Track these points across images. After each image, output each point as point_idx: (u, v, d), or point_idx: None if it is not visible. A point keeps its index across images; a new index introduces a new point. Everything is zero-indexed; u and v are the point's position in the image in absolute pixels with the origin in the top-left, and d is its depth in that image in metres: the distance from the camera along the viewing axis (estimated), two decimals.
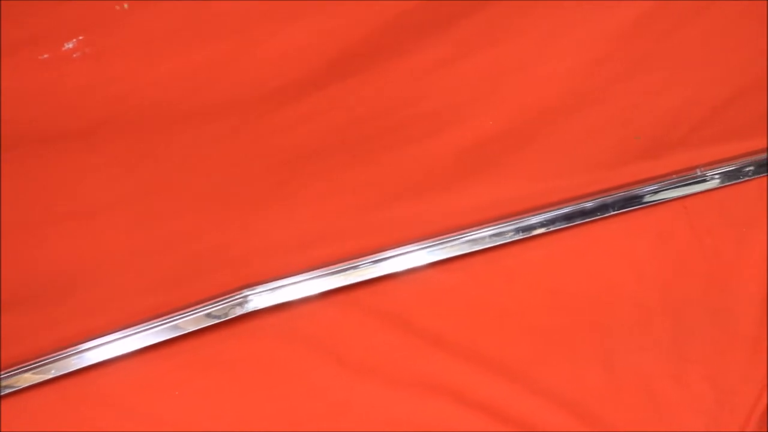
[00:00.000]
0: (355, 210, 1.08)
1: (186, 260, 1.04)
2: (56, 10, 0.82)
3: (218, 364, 1.04)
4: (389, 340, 1.06)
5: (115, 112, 0.90)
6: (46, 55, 0.84)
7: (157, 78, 0.89)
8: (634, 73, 1.08)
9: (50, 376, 1.00)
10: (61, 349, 1.01)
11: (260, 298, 1.05)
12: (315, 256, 1.07)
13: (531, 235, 1.11)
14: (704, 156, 1.15)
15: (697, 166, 1.15)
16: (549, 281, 1.10)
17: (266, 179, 1.02)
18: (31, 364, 1.00)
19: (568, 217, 1.12)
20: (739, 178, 1.15)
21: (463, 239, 1.09)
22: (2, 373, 1.00)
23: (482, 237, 1.10)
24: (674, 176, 1.14)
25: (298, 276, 1.06)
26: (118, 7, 0.84)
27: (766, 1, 1.07)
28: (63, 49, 0.84)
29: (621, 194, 1.13)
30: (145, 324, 1.03)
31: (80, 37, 0.84)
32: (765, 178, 1.16)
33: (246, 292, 1.04)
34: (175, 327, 1.03)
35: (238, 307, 1.04)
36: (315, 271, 1.07)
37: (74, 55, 0.85)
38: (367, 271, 1.08)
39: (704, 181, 1.15)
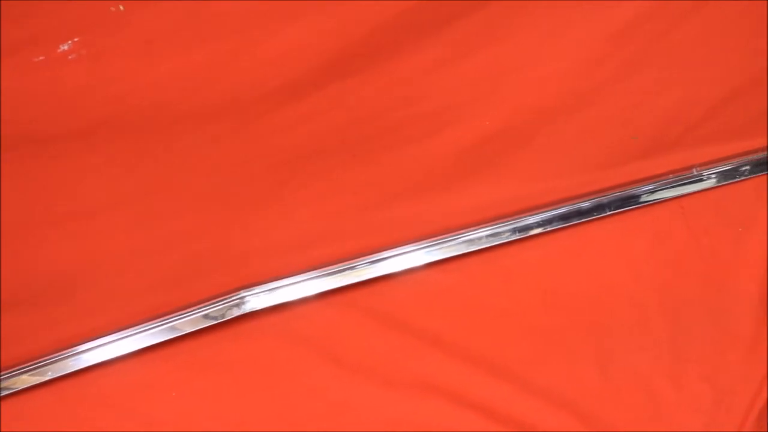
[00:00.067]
0: (354, 210, 1.08)
1: (185, 260, 1.04)
2: (51, 12, 0.83)
3: (216, 365, 1.04)
4: (386, 341, 1.06)
5: (114, 113, 0.91)
6: (41, 57, 0.85)
7: (155, 79, 0.90)
8: (631, 74, 1.09)
9: (47, 378, 1.01)
10: (58, 351, 1.01)
11: (257, 299, 1.05)
12: (314, 256, 1.08)
13: (528, 235, 1.12)
14: (701, 156, 1.16)
15: (693, 166, 1.15)
16: (546, 281, 1.11)
17: (265, 179, 1.03)
18: (28, 366, 1.00)
19: (564, 217, 1.12)
20: (735, 178, 1.16)
21: (460, 239, 1.09)
22: (0, 374, 0.99)
23: (479, 237, 1.10)
24: (671, 176, 1.15)
25: (295, 277, 1.07)
26: (113, 9, 0.84)
27: (762, 1, 1.07)
28: (58, 51, 0.85)
29: (618, 194, 1.13)
30: (142, 325, 1.03)
31: (75, 39, 0.85)
32: (761, 178, 1.16)
33: (243, 293, 1.05)
34: (173, 328, 1.03)
35: (235, 308, 1.04)
36: (312, 272, 1.07)
37: (70, 57, 0.86)
38: (365, 271, 1.08)
39: (701, 180, 1.15)
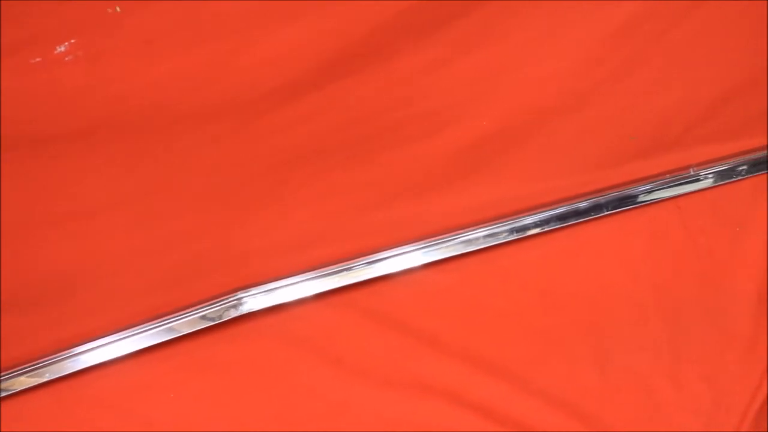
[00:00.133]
0: (353, 210, 1.09)
1: (185, 260, 1.05)
2: (47, 14, 0.84)
3: (213, 366, 1.05)
4: (384, 341, 1.07)
5: (114, 113, 0.91)
6: (38, 59, 0.85)
7: (155, 79, 0.90)
8: (628, 74, 1.09)
9: (44, 380, 1.01)
10: (55, 353, 1.02)
11: (255, 300, 1.06)
12: (314, 256, 1.08)
13: (525, 235, 1.12)
14: (698, 155, 1.16)
15: (690, 166, 1.15)
16: (543, 281, 1.11)
17: (265, 179, 1.03)
18: (25, 368, 1.01)
19: (562, 218, 1.12)
20: (732, 178, 1.16)
21: (458, 240, 1.09)
22: None
23: (477, 237, 1.10)
24: (668, 176, 1.15)
25: (292, 278, 1.07)
26: (110, 10, 0.84)
27: (759, 1, 1.07)
28: (55, 52, 0.85)
29: (615, 194, 1.14)
30: (139, 326, 1.03)
31: (72, 41, 0.85)
32: (758, 178, 1.16)
33: (240, 294, 1.05)
34: (170, 329, 1.03)
35: (232, 309, 1.04)
36: (309, 273, 1.07)
37: (66, 59, 0.86)
38: (362, 272, 1.08)
39: (698, 180, 1.15)
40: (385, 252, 1.09)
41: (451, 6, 0.97)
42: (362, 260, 1.08)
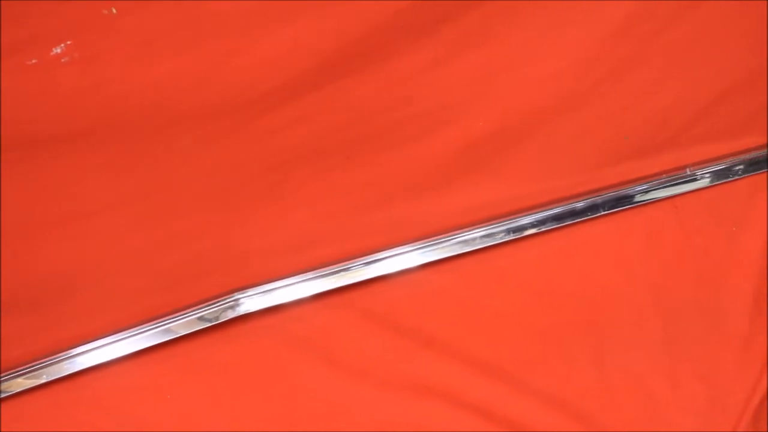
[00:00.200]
0: (351, 210, 1.09)
1: (185, 260, 1.05)
2: (43, 15, 0.84)
3: (210, 367, 1.05)
4: (381, 342, 1.07)
5: (113, 114, 0.91)
6: (34, 60, 0.85)
7: (154, 79, 0.91)
8: (624, 74, 1.09)
9: (42, 381, 1.02)
10: (53, 354, 1.02)
11: (252, 301, 1.06)
12: (313, 256, 1.09)
13: (522, 235, 1.12)
14: (694, 155, 1.16)
15: (686, 166, 1.15)
16: (540, 282, 1.12)
17: (263, 180, 1.03)
18: (23, 369, 1.02)
19: (558, 218, 1.12)
20: (728, 177, 1.16)
21: (454, 240, 1.10)
22: None
23: (473, 238, 1.10)
24: (664, 176, 1.15)
25: (289, 278, 1.08)
26: (105, 11, 0.84)
27: (756, 1, 1.07)
28: (51, 54, 0.86)
29: (611, 194, 1.14)
30: (136, 328, 1.04)
31: (68, 42, 0.85)
32: (755, 177, 1.17)
33: (237, 295, 1.06)
34: (167, 330, 1.04)
35: (229, 310, 1.05)
36: (306, 274, 1.08)
37: (63, 60, 0.86)
38: (359, 272, 1.09)
39: (694, 180, 1.15)
40: (382, 252, 1.09)
41: (450, 6, 0.97)
42: (360, 261, 1.08)
